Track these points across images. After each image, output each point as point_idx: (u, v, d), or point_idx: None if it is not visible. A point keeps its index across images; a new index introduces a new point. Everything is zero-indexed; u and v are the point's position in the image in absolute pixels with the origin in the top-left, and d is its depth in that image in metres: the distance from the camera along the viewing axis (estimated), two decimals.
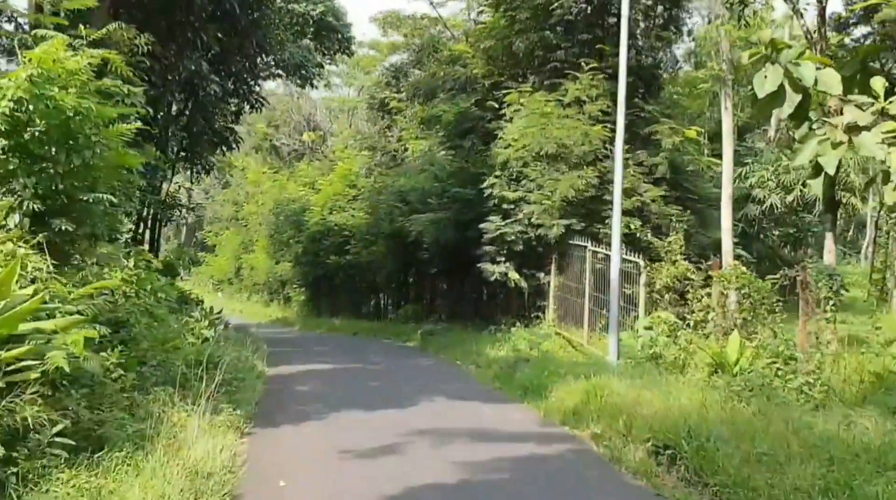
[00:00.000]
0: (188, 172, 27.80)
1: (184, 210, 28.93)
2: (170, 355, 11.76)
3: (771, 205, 24.31)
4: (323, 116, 46.01)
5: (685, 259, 15.79)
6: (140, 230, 25.63)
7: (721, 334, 12.74)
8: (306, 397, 12.20)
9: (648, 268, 14.91)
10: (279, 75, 29.82)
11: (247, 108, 26.72)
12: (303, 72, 28.60)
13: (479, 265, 19.36)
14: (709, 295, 13.72)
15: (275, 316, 41.75)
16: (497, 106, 20.20)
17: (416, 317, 28.09)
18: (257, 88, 28.34)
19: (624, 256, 15.33)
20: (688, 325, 13.38)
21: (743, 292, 12.86)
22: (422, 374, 15.46)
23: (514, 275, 18.81)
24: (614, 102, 19.39)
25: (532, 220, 18.44)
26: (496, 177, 19.01)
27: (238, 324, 37.76)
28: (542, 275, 19.31)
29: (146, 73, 19.36)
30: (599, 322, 17.14)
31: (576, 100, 18.95)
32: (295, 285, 42.95)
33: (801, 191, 23.77)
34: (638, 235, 17.47)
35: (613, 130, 18.81)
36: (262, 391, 12.32)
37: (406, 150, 30.82)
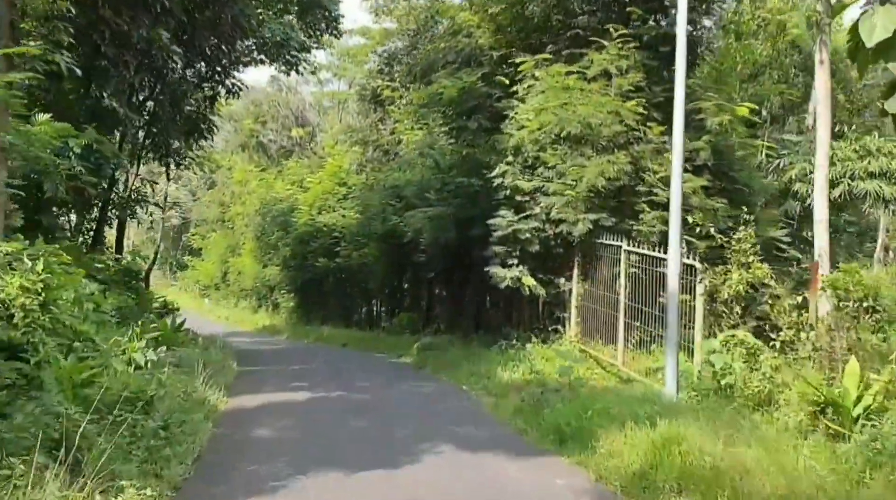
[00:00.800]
0: (161, 165, 24.28)
1: (150, 207, 25.40)
2: (79, 390, 8.43)
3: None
4: (312, 111, 42.61)
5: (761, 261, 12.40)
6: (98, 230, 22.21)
7: (826, 360, 9.32)
8: (266, 450, 8.75)
9: (710, 273, 11.51)
10: (261, 61, 26.35)
11: (223, 93, 23.29)
12: (286, 54, 25.15)
13: (487, 269, 15.93)
14: (800, 308, 10.33)
15: (262, 324, 38.26)
16: (507, 82, 16.81)
17: (411, 327, 24.68)
18: (236, 73, 25.01)
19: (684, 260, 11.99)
20: (773, 347, 9.99)
21: (865, 305, 9.46)
22: (421, 406, 12.02)
23: (529, 280, 15.40)
24: (648, 74, 16.11)
25: (551, 214, 15.06)
26: (508, 163, 15.62)
27: (219, 333, 34.36)
28: (561, 281, 15.93)
29: (92, 41, 16.05)
30: (631, 338, 13.81)
31: (602, 72, 15.60)
32: (283, 291, 39.49)
33: (848, 185, 20.42)
34: (699, 229, 14.10)
35: (647, 108, 15.49)
36: (205, 441, 8.86)
37: (399, 143, 27.42)
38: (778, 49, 21.42)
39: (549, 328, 16.28)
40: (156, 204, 26.17)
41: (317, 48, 26.06)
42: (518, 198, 15.48)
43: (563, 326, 16.10)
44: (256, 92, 43.41)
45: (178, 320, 27.75)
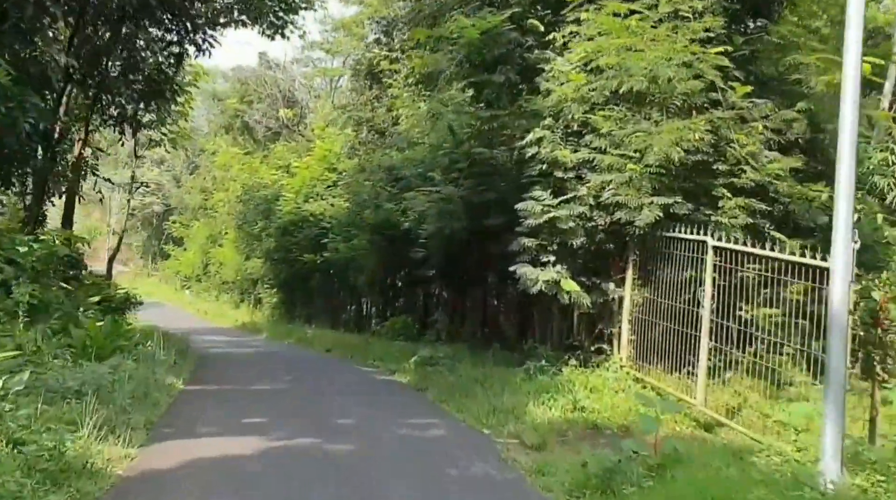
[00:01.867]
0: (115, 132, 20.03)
1: (103, 186, 21.18)
2: None
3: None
4: (302, 91, 38.37)
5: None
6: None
7: None
8: None
9: (867, 283, 7.46)
10: (241, 21, 22.12)
11: (191, 51, 19.10)
12: (270, 15, 21.04)
13: (513, 268, 11.77)
14: None
15: (242, 320, 33.99)
16: (542, 28, 12.67)
17: (406, 333, 20.53)
18: (212, 35, 20.85)
19: (808, 260, 7.99)
20: None
21: None
22: (430, 471, 7.81)
23: (570, 285, 11.28)
24: (732, 20, 12.06)
25: (602, 197, 10.98)
26: (545, 128, 11.46)
27: (193, 330, 30.14)
28: (609, 286, 11.81)
29: None
30: (687, 363, 9.83)
31: (672, 14, 11.47)
32: (266, 286, 35.25)
33: None
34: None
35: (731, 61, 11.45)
36: None
37: (397, 122, 23.23)
38: None
39: (590, 347, 12.21)
40: (106, 180, 21.81)
41: (305, 9, 21.79)
42: (558, 174, 11.35)
43: (610, 343, 12.01)
44: (244, 71, 39.24)
45: (130, 317, 23.71)
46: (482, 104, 13.47)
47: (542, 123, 11.45)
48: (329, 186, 28.68)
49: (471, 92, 14.04)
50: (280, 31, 22.24)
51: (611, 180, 10.76)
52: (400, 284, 23.07)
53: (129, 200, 28.25)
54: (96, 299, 15.44)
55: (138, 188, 29.13)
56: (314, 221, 27.90)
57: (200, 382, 12.97)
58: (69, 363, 10.25)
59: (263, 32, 22.48)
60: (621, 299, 11.80)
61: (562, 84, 11.48)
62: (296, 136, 34.20)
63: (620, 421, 9.86)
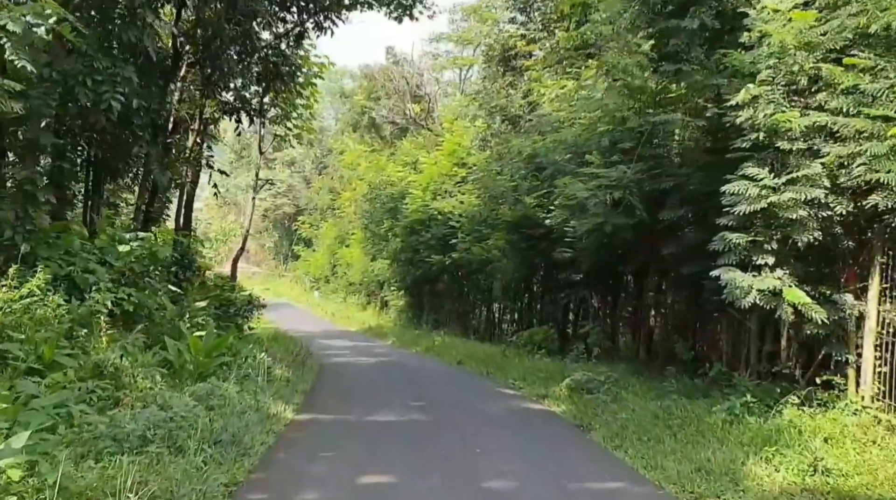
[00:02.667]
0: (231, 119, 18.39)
1: (216, 179, 19.64)
2: None
3: None
4: (430, 85, 36.29)
5: None
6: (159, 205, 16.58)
7: None
8: None
9: None
10: (368, 3, 20.07)
11: (310, 28, 17.13)
12: None
13: (716, 273, 8.73)
14: None
15: (368, 324, 32.21)
16: None
17: (547, 346, 17.78)
18: (341, 20, 18.94)
19: None
20: None
21: None
22: None
23: (797, 296, 8.14)
24: None
25: (845, 177, 7.81)
26: (761, 83, 8.36)
27: (318, 333, 28.64)
28: (844, 297, 8.57)
29: None
30: None
31: None
32: (393, 288, 33.40)
33: None
34: None
35: None
36: None
37: (534, 108, 20.44)
38: None
39: (810, 378, 9.03)
40: (221, 172, 20.29)
41: None
42: (781, 146, 8.24)
43: (844, 377, 8.77)
44: (371, 68, 37.69)
45: (254, 321, 22.12)
46: (661, 63, 10.47)
47: (759, 79, 8.34)
48: (458, 183, 26.35)
49: (646, 47, 11.05)
50: (408, 11, 20.03)
51: (860, 152, 7.56)
52: (539, 289, 20.28)
53: (253, 199, 26.81)
54: (203, 303, 13.45)
55: (263, 186, 27.84)
56: (442, 219, 25.63)
57: (314, 408, 10.73)
58: (155, 388, 8.20)
59: (390, 14, 20.35)
60: (860, 316, 8.55)
61: (782, 25, 8.35)
62: (423, 131, 32.14)
63: (890, 494, 6.72)
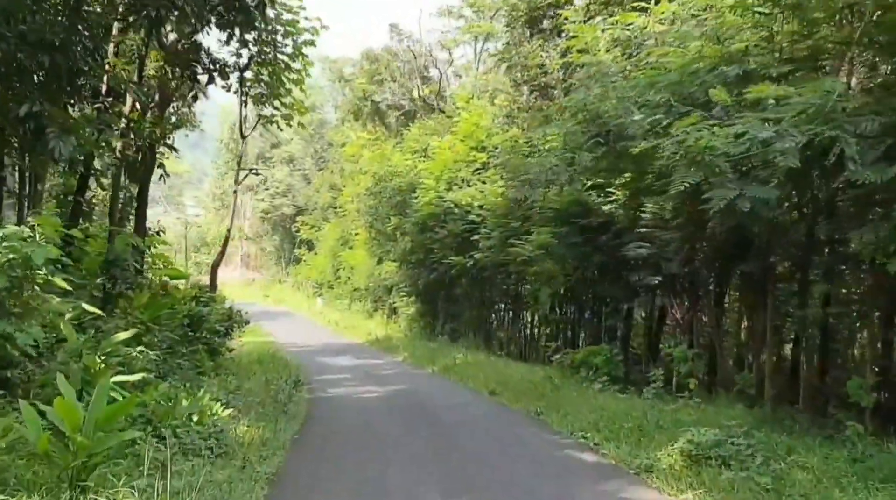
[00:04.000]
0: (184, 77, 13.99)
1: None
2: None
3: None
4: (440, 64, 31.69)
5: None
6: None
7: None
8: None
9: None
10: None
11: None
12: None
13: None
14: None
15: (375, 335, 27.70)
16: None
17: (610, 371, 13.26)
18: None
19: None
20: None
21: None
22: None
23: None
24: None
25: None
26: None
27: (317, 348, 24.28)
28: None
29: None
30: None
31: None
32: (402, 294, 28.93)
33: None
34: None
35: None
36: None
37: (573, 70, 15.87)
38: None
39: None
40: (170, 147, 15.88)
41: None
42: None
43: None
44: (374, 51, 33.22)
45: (237, 337, 17.78)
46: None
47: None
48: (477, 170, 21.91)
49: None
50: None
51: None
52: (590, 295, 15.77)
53: (235, 192, 22.37)
54: (125, 335, 9.01)
55: (246, 177, 23.34)
56: (460, 213, 21.21)
57: (295, 494, 6.33)
58: None
59: None
60: None
61: None
62: (434, 114, 27.69)
63: None
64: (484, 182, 21.12)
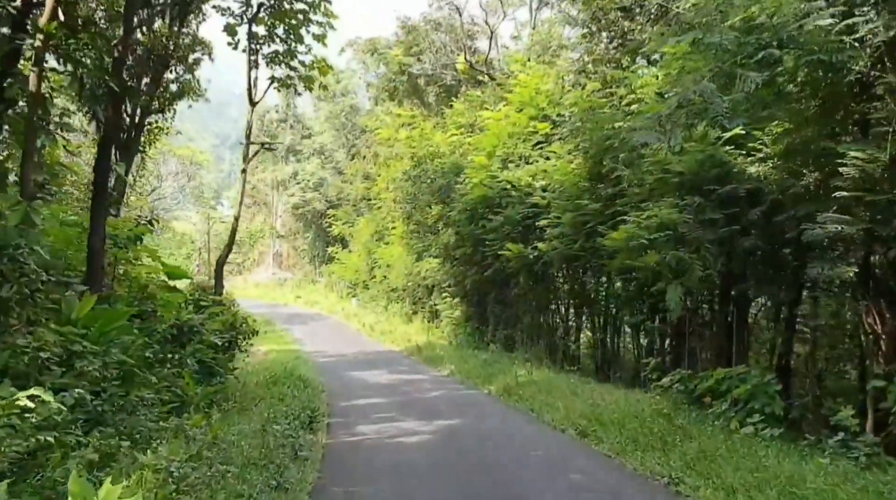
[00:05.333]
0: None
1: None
2: None
3: None
4: (490, 22, 27.24)
5: None
6: None
7: None
8: None
9: None
10: None
11: None
12: None
13: None
14: None
15: (415, 341, 23.54)
16: None
17: (761, 407, 8.86)
18: None
19: None
20: None
21: None
22: None
23: None
24: None
25: None
26: None
27: (346, 357, 20.44)
28: None
29: None
30: None
31: None
32: (445, 294, 24.77)
33: None
34: None
35: None
36: None
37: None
38: None
39: None
40: (160, 111, 12.02)
41: None
42: None
43: None
44: (411, 20, 29.04)
45: (245, 355, 14.05)
46: None
47: None
48: (539, 144, 17.67)
49: None
50: None
51: None
52: (716, 296, 11.31)
53: (244, 171, 18.39)
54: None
55: (258, 153, 19.28)
56: (518, 195, 16.99)
57: None
58: None
59: None
60: None
61: None
62: (483, 84, 23.39)
63: None
64: (547, 157, 16.88)
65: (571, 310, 17.46)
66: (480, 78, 24.15)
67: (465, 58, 25.19)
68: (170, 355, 10.96)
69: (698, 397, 10.09)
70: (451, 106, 24.05)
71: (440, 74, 27.56)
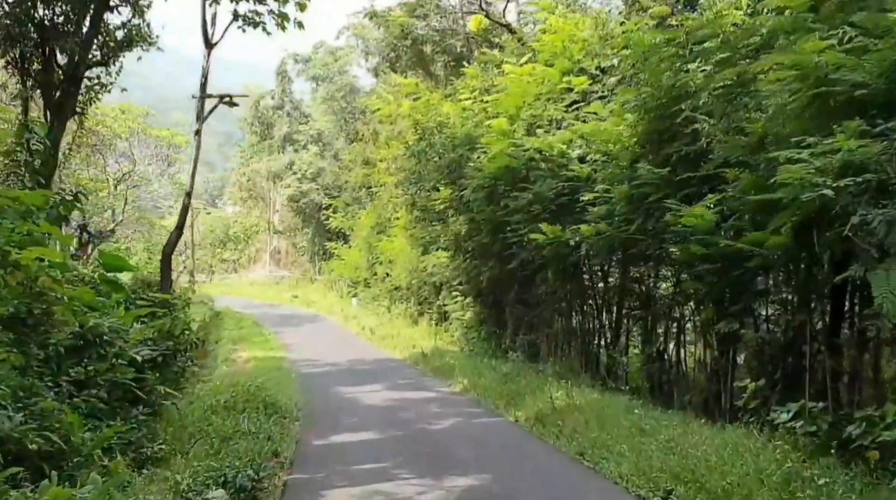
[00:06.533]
0: None
1: None
2: None
3: None
4: None
5: None
6: None
7: None
8: None
9: None
10: None
11: None
12: None
13: None
14: None
15: (420, 348, 19.84)
16: None
17: None
18: None
19: None
20: None
21: None
22: None
23: None
24: None
25: None
26: None
27: (341, 367, 16.86)
28: None
29: None
30: None
31: None
32: (456, 293, 21.07)
33: None
34: None
35: None
36: None
37: None
38: None
39: None
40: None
41: None
42: None
43: None
44: None
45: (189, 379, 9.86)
46: None
47: None
48: (574, 104, 13.95)
49: None
50: None
51: None
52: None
53: (197, 132, 14.62)
54: None
55: (215, 108, 15.57)
56: (550, 167, 13.31)
57: None
58: None
59: None
60: None
61: None
62: (499, 48, 19.64)
63: None
64: (584, 120, 13.18)
65: (616, 311, 13.72)
66: (496, 40, 20.41)
67: (481, 5, 21.33)
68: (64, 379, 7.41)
69: (847, 445, 6.43)
70: (462, 75, 20.35)
71: (449, 44, 23.69)
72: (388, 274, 28.74)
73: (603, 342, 13.76)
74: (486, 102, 16.11)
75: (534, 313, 16.51)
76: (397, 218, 25.77)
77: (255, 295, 42.50)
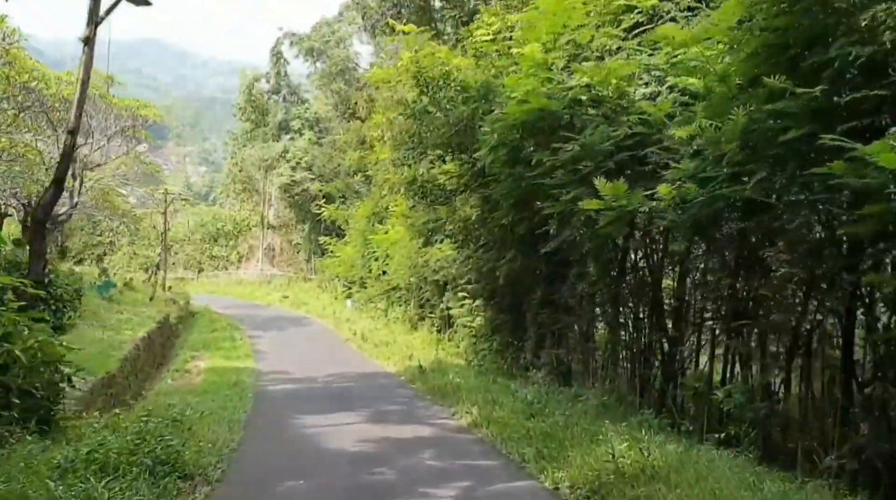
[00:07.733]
0: None
1: None
2: None
3: None
4: None
5: None
6: None
7: None
8: None
9: None
10: None
11: None
12: None
13: None
14: None
15: (418, 360, 15.52)
16: None
17: None
18: None
19: None
20: None
21: None
22: None
23: None
24: None
25: None
26: None
27: (327, 384, 12.31)
28: None
29: None
30: None
31: None
32: (463, 293, 16.87)
33: None
34: None
35: None
36: None
37: None
38: None
39: None
40: None
41: None
42: None
43: None
44: None
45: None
46: None
47: None
48: (636, 28, 9.78)
49: None
50: None
51: None
52: None
53: (86, 40, 10.51)
54: None
55: (112, 9, 11.56)
56: (604, 112, 9.12)
57: None
58: None
59: None
60: None
61: None
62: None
63: None
64: (650, 53, 9.02)
65: (694, 320, 9.45)
66: None
67: None
68: None
69: None
70: (474, 32, 16.20)
71: None
72: (384, 272, 24.58)
73: (676, 365, 9.47)
74: (510, 38, 11.92)
75: (565, 321, 12.29)
76: (395, 205, 21.59)
77: (241, 295, 38.51)
